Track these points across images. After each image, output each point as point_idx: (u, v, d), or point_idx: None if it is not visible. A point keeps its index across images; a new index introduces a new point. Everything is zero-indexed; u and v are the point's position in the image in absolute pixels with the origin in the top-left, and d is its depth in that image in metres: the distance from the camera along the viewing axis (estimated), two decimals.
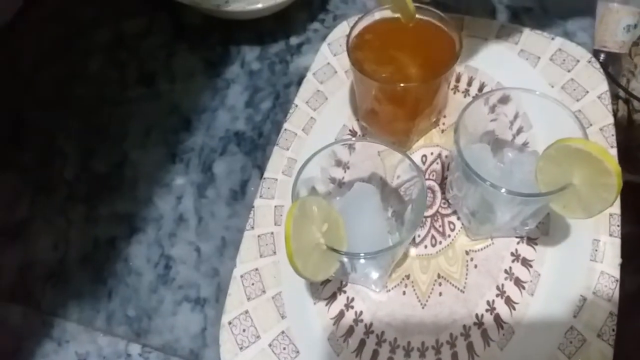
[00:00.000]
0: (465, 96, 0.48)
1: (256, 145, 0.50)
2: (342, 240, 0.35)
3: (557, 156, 0.33)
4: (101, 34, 0.61)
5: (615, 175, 0.30)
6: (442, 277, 0.40)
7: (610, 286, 0.37)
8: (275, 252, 0.42)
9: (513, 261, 0.40)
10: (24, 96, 0.57)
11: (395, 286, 0.40)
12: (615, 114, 0.46)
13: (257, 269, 0.41)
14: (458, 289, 0.40)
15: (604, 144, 0.42)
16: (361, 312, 0.40)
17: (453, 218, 0.43)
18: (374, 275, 0.39)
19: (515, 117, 0.41)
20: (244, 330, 0.38)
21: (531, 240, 0.41)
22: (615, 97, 0.53)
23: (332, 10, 0.60)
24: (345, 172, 0.41)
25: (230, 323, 0.39)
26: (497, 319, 0.38)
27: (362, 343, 0.39)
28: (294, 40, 0.58)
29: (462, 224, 0.42)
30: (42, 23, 0.63)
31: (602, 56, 0.82)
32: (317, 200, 0.34)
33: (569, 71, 0.46)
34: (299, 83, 0.50)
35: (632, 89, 0.76)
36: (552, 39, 0.48)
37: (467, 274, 0.40)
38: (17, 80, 0.59)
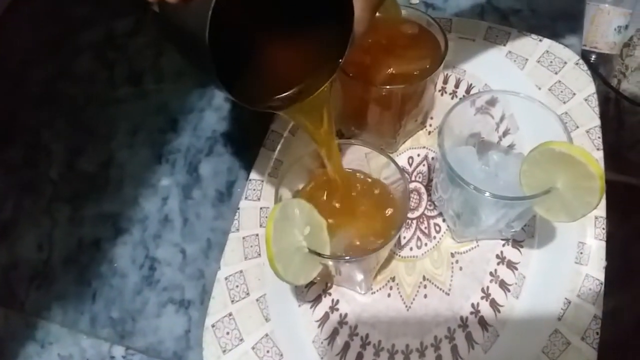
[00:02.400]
0: (452, 98, 0.48)
1: (243, 146, 0.50)
2: (324, 244, 0.35)
3: (540, 159, 0.33)
4: (90, 33, 0.60)
5: (599, 178, 0.30)
6: (427, 279, 0.40)
7: (595, 289, 0.37)
8: (260, 255, 0.41)
9: (498, 263, 0.40)
10: (13, 94, 0.57)
11: (380, 288, 0.40)
12: (605, 115, 0.46)
13: (241, 271, 0.41)
14: (443, 291, 0.40)
15: (590, 146, 0.42)
16: (346, 315, 0.40)
17: (439, 220, 0.43)
18: (359, 277, 0.39)
19: (502, 119, 0.40)
20: (227, 333, 0.38)
21: (517, 243, 0.41)
22: (605, 98, 0.53)
23: None
24: None
25: (213, 326, 0.39)
26: (482, 321, 0.38)
27: (347, 345, 0.38)
28: None
29: (448, 226, 0.42)
30: (31, 21, 0.62)
31: (592, 57, 0.82)
32: (300, 203, 0.34)
33: (556, 73, 0.46)
34: None
35: (622, 89, 0.76)
36: (540, 40, 0.48)
37: (452, 276, 0.40)
38: (5, 78, 0.58)
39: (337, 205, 0.37)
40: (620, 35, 0.82)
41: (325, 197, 0.38)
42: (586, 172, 0.30)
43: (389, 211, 0.36)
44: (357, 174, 0.39)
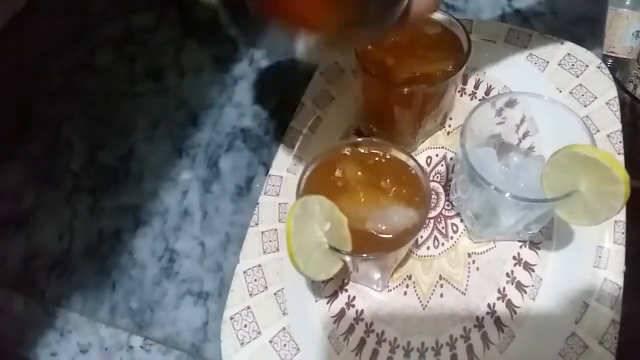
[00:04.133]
0: (472, 99, 0.48)
1: (262, 142, 0.50)
2: (345, 240, 0.35)
3: (564, 162, 0.33)
4: (111, 27, 0.61)
5: (624, 183, 0.30)
6: (444, 278, 0.40)
7: (614, 293, 0.37)
8: (278, 249, 0.42)
9: (515, 265, 0.40)
10: (32, 87, 0.58)
11: (396, 286, 0.41)
12: (621, 120, 0.46)
13: (260, 265, 0.41)
14: (459, 290, 0.40)
15: (611, 150, 0.42)
16: (362, 311, 0.40)
17: (456, 220, 0.43)
18: (376, 275, 0.39)
19: (522, 121, 0.41)
20: (245, 326, 0.39)
21: (534, 245, 0.41)
22: (621, 103, 0.53)
23: None
24: None
25: (232, 318, 0.39)
26: (498, 322, 0.38)
27: (362, 342, 0.39)
28: None
29: (465, 227, 0.42)
30: (51, 15, 0.63)
31: (609, 61, 0.81)
32: (320, 199, 0.34)
33: (577, 76, 0.46)
34: (307, 81, 0.50)
35: (638, 95, 0.76)
36: (562, 43, 0.47)
37: (468, 276, 0.40)
38: (26, 71, 0.59)
39: (358, 198, 0.37)
40: (638, 40, 0.81)
41: (345, 188, 0.38)
42: (611, 176, 0.30)
43: (410, 209, 0.36)
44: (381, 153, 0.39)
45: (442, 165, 0.46)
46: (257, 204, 0.43)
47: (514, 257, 0.41)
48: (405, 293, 0.40)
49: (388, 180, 0.38)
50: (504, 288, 0.40)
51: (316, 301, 0.40)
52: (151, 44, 0.59)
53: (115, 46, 0.60)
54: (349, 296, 0.41)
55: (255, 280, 0.40)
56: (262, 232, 0.42)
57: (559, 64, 0.47)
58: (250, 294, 0.40)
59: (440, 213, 0.43)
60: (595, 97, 0.45)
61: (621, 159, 0.42)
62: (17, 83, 0.58)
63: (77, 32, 0.61)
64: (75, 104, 0.56)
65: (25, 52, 0.61)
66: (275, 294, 0.40)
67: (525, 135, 0.41)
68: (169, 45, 0.59)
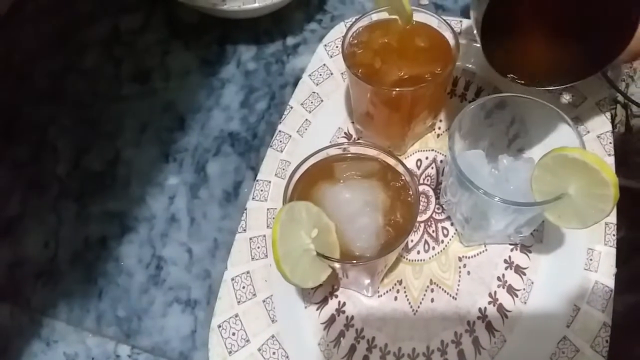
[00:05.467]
0: (461, 100, 0.47)
1: (250, 146, 0.50)
2: (333, 246, 0.34)
3: (553, 165, 0.33)
4: (97, 29, 0.60)
5: (612, 186, 0.30)
6: (435, 283, 0.40)
7: (605, 296, 0.37)
8: (267, 255, 0.41)
9: (506, 268, 0.40)
10: (17, 90, 0.57)
11: (387, 291, 0.40)
12: (613, 119, 0.46)
13: (248, 272, 0.40)
14: (450, 295, 0.39)
15: (601, 152, 0.42)
16: (352, 317, 0.39)
17: (447, 224, 0.42)
18: (366, 280, 0.39)
19: (512, 123, 0.40)
20: (233, 334, 0.38)
21: (525, 248, 0.41)
22: (613, 102, 0.53)
23: (330, 11, 0.59)
24: None
25: (219, 326, 0.38)
26: (489, 326, 0.38)
27: (353, 348, 0.38)
28: (290, 41, 0.57)
29: (456, 230, 0.42)
30: (37, 16, 0.62)
31: None
32: (307, 205, 0.34)
33: None
34: (295, 84, 0.50)
35: (630, 93, 0.76)
36: None
37: (459, 281, 0.40)
38: (11, 74, 0.58)
39: (346, 203, 0.37)
40: None
41: (333, 192, 0.37)
42: (600, 179, 0.30)
43: (398, 213, 0.36)
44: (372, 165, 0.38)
45: (432, 168, 0.45)
46: (245, 209, 0.43)
47: (505, 261, 0.40)
48: (395, 298, 0.40)
49: (376, 184, 0.37)
50: (495, 292, 0.39)
51: (306, 308, 0.40)
52: (138, 47, 0.58)
53: (102, 48, 0.59)
54: (339, 302, 0.40)
55: (244, 287, 0.40)
56: (250, 238, 0.42)
57: None
58: (239, 302, 0.39)
59: (431, 217, 0.43)
60: (586, 98, 0.45)
61: (611, 160, 0.41)
62: (2, 85, 0.57)
63: (63, 34, 0.60)
64: (61, 106, 0.55)
65: (10, 54, 0.60)
66: (264, 301, 0.39)
67: (515, 137, 0.41)
68: (156, 48, 0.58)
